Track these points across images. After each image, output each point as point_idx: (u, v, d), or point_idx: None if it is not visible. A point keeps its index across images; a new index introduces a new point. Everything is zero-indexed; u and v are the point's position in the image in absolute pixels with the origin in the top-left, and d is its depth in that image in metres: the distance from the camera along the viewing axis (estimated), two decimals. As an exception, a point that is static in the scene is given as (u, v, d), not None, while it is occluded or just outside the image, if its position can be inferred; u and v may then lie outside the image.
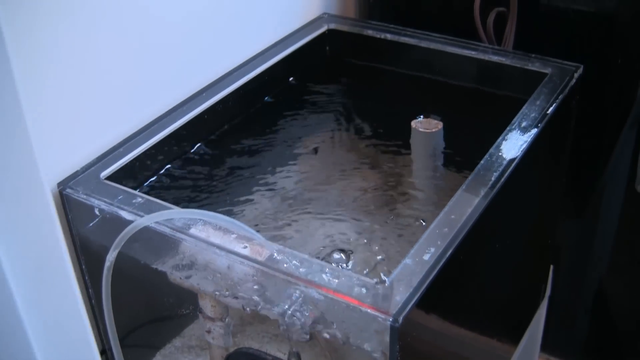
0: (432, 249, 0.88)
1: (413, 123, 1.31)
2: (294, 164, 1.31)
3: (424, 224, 1.16)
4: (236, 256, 0.90)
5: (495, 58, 1.34)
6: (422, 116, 1.31)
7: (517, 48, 1.40)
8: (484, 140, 1.16)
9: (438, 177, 1.30)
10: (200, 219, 0.96)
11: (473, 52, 1.36)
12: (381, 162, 1.32)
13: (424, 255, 0.87)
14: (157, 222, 0.96)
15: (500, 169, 1.03)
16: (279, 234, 1.16)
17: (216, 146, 1.31)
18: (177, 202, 1.14)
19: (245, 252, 0.90)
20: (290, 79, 1.48)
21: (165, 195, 1.16)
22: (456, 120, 1.33)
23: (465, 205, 0.96)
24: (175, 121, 1.20)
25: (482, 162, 1.05)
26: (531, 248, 1.40)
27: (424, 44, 1.41)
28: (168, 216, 0.97)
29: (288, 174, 1.29)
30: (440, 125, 1.30)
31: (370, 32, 1.47)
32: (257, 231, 0.94)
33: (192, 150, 1.28)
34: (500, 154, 1.06)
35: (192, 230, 0.94)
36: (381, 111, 1.45)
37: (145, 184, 1.17)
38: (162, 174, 1.21)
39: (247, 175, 1.27)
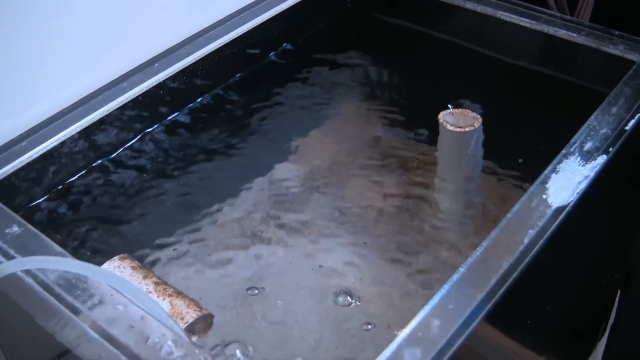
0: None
1: (441, 116, 0.96)
2: (288, 157, 1.02)
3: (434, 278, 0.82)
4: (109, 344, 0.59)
5: (562, 33, 0.98)
6: (450, 106, 0.95)
7: (595, 21, 1.01)
8: (541, 143, 0.94)
9: (473, 192, 0.94)
10: (87, 275, 0.65)
11: (534, 22, 1.00)
12: (400, 161, 1.01)
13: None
14: (25, 271, 0.66)
15: (542, 221, 0.68)
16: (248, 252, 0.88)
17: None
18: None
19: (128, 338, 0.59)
20: (294, 40, 1.16)
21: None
22: (505, 113, 1.04)
23: (486, 275, 0.65)
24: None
25: (516, 207, 0.70)
26: (594, 278, 1.06)
27: (470, 4, 1.03)
28: (40, 264, 0.66)
29: (275, 172, 1.00)
30: (478, 121, 0.95)
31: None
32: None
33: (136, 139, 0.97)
34: (544, 196, 0.71)
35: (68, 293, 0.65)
36: (410, 90, 1.14)
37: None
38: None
39: (228, 169, 0.99)
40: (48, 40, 0.86)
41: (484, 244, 0.68)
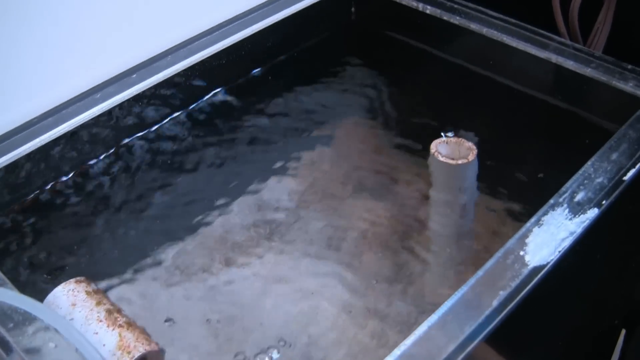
0: None
1: (434, 145, 0.90)
2: (278, 175, 0.97)
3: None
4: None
5: (571, 63, 0.91)
6: (449, 133, 0.90)
7: (608, 51, 0.94)
8: (541, 179, 0.88)
9: (463, 230, 0.89)
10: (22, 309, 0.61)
11: (541, 51, 0.93)
12: (392, 187, 0.96)
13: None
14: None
15: (516, 282, 0.63)
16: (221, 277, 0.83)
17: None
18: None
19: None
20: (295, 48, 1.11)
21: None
22: (504, 142, 0.97)
23: (441, 342, 0.60)
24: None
25: (489, 264, 0.65)
26: (588, 326, 1.00)
27: (475, 26, 0.97)
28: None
29: (263, 189, 0.95)
30: (473, 153, 0.89)
31: (410, 2, 1.06)
32: None
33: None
34: (522, 253, 0.66)
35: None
36: (409, 110, 1.07)
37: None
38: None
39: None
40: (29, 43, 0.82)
41: (447, 303, 0.63)
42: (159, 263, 0.85)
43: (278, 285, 0.82)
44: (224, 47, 0.97)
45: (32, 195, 0.89)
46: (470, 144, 0.92)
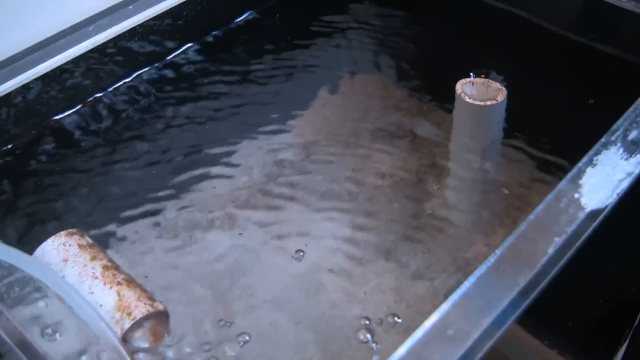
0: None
1: (460, 85, 0.82)
2: (291, 119, 0.90)
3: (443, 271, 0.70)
4: None
5: (609, -4, 0.82)
6: (472, 75, 0.81)
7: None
8: (572, 125, 0.81)
9: (489, 177, 0.81)
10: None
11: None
12: (413, 133, 0.88)
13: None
14: None
15: (572, 227, 0.55)
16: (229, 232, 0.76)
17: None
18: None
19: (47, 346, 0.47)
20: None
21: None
22: (533, 84, 0.89)
23: (498, 294, 0.52)
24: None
25: (540, 208, 0.57)
26: (623, 285, 0.93)
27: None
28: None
29: (277, 136, 0.88)
30: (502, 93, 0.81)
31: None
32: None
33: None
34: (576, 195, 0.58)
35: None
36: (430, 54, 1.00)
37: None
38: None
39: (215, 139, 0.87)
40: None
41: (497, 252, 0.55)
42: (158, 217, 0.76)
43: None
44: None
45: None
46: (498, 85, 0.84)
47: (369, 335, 0.65)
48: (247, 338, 0.65)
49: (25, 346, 0.50)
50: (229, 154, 0.84)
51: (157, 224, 0.76)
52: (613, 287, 0.87)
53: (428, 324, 0.50)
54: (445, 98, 0.88)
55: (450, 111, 0.87)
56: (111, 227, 0.76)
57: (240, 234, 0.75)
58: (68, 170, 0.82)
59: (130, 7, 0.79)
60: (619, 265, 0.81)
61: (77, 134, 0.86)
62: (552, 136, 0.85)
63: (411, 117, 0.89)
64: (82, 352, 0.49)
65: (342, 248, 0.74)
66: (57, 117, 0.86)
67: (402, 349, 0.48)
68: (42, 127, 0.84)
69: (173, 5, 0.84)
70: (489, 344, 0.49)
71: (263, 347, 0.64)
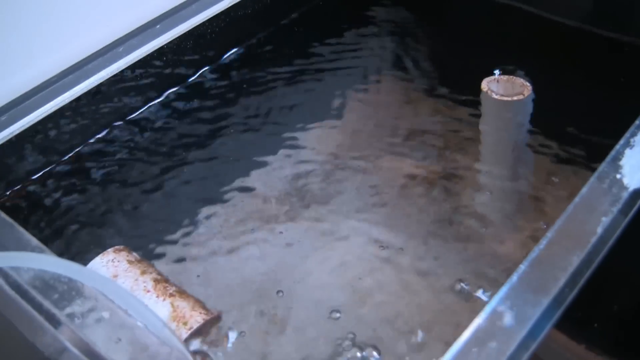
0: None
1: (485, 83, 0.83)
2: (311, 129, 0.91)
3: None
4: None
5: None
6: (498, 72, 0.82)
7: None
8: (599, 118, 0.80)
9: (519, 171, 0.81)
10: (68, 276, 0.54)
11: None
12: (439, 133, 0.88)
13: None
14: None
15: (616, 208, 0.55)
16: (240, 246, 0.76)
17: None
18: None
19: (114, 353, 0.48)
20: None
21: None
22: (558, 83, 0.89)
23: (552, 275, 0.53)
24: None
25: (584, 190, 0.57)
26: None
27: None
28: (12, 262, 0.55)
29: (297, 144, 0.88)
30: (527, 89, 0.82)
31: None
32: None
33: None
34: (618, 176, 0.58)
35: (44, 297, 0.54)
36: (450, 52, 1.01)
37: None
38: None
39: (234, 154, 0.87)
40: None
41: (548, 234, 0.55)
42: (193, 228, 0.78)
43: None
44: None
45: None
46: (522, 81, 0.86)
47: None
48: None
49: (93, 356, 0.51)
50: (262, 164, 0.85)
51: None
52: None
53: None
54: (471, 97, 0.89)
55: (476, 110, 0.88)
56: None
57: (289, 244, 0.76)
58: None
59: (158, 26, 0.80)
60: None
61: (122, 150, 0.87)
62: (578, 129, 0.86)
63: (438, 119, 0.90)
64: (151, 358, 0.50)
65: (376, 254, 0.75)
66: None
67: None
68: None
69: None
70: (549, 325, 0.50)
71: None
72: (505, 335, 0.49)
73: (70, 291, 0.56)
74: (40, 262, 0.56)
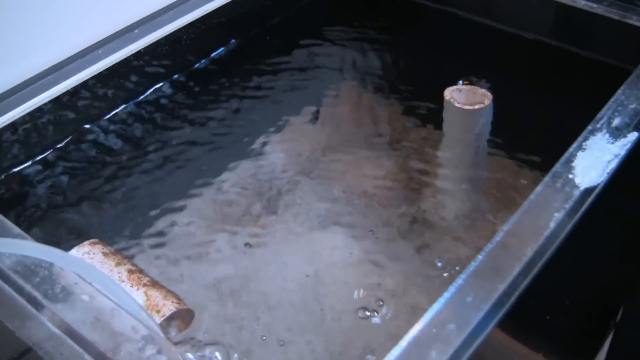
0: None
1: (448, 92, 0.87)
2: (283, 133, 0.94)
3: (455, 269, 0.74)
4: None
5: (582, 3, 0.89)
6: (460, 82, 0.86)
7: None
8: (554, 125, 0.85)
9: (479, 175, 0.86)
10: (48, 261, 0.56)
11: (550, -8, 0.90)
12: (404, 139, 0.93)
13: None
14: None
15: (569, 203, 0.60)
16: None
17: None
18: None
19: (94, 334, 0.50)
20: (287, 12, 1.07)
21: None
22: (515, 90, 0.95)
23: (508, 264, 0.57)
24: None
25: (539, 188, 0.62)
26: (607, 281, 0.97)
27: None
28: (-6, 248, 0.57)
29: (273, 147, 0.92)
30: (488, 98, 0.86)
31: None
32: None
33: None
34: (570, 176, 0.63)
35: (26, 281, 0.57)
36: (414, 64, 1.06)
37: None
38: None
39: (220, 144, 0.91)
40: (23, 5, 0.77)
41: (504, 228, 0.59)
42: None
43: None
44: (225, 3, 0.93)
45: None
46: (484, 91, 0.90)
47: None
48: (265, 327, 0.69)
49: (75, 336, 0.53)
50: (230, 168, 0.88)
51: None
52: (602, 273, 0.92)
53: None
54: (434, 106, 0.93)
55: (438, 118, 0.92)
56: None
57: (248, 244, 0.79)
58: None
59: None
60: (608, 248, 0.87)
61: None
62: (535, 136, 0.90)
63: (403, 126, 0.94)
64: (129, 339, 0.53)
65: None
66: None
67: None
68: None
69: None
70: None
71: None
72: (463, 317, 0.53)
73: (50, 276, 0.58)
74: (22, 248, 0.58)
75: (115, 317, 0.55)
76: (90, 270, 0.57)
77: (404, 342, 0.51)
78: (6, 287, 0.57)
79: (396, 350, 0.50)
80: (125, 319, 0.55)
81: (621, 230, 0.89)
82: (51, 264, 0.58)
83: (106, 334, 0.53)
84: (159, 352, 0.51)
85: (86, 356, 0.52)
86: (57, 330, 0.54)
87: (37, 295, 0.56)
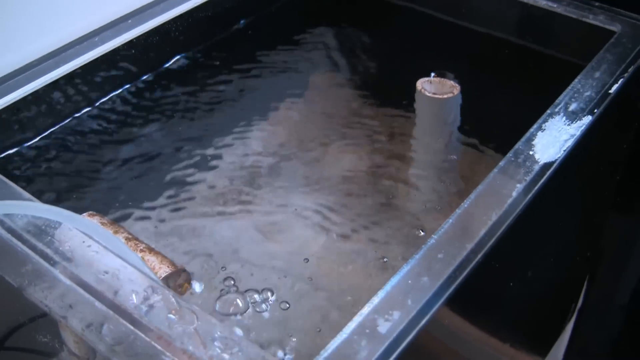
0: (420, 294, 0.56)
1: (419, 83, 0.94)
2: (262, 122, 1.00)
3: (421, 233, 0.80)
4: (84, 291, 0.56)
5: (543, 3, 0.97)
6: (433, 74, 0.93)
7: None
8: (516, 115, 0.91)
9: (449, 160, 0.93)
10: (59, 221, 0.62)
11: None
12: (378, 129, 0.98)
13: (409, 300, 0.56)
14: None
15: (529, 178, 0.67)
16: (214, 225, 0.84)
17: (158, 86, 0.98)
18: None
19: (102, 284, 0.56)
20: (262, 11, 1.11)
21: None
22: (481, 84, 1.01)
23: (474, 227, 0.63)
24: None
25: (502, 163, 0.68)
26: (567, 259, 1.04)
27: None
28: (8, 210, 0.62)
29: (250, 134, 0.97)
30: (456, 89, 0.93)
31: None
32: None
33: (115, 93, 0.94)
34: (531, 152, 0.69)
35: (37, 240, 0.62)
36: (386, 60, 1.12)
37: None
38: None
39: (198, 135, 0.96)
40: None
41: (471, 196, 0.66)
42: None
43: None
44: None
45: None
46: (452, 82, 0.97)
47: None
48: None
49: (85, 286, 0.59)
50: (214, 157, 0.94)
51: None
52: (561, 252, 0.99)
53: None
54: (405, 98, 1.00)
55: (410, 109, 0.99)
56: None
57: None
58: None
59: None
60: (565, 228, 0.94)
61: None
62: (500, 125, 0.98)
63: (375, 116, 1.01)
64: (134, 291, 0.58)
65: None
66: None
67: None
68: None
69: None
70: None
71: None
72: (435, 271, 0.59)
73: (60, 236, 0.63)
74: (33, 209, 0.64)
75: (121, 270, 0.60)
76: (96, 229, 0.62)
77: (382, 292, 0.58)
78: (19, 244, 0.62)
79: (380, 294, 0.56)
80: (131, 272, 0.60)
81: (578, 207, 0.96)
82: (58, 225, 0.63)
83: (114, 284, 0.59)
84: (162, 300, 0.57)
85: (96, 303, 0.57)
86: (67, 280, 0.59)
87: (49, 251, 0.62)
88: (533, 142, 0.73)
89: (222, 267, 0.79)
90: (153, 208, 0.86)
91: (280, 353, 0.71)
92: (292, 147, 0.94)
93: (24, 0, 0.84)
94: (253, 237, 0.83)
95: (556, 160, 0.70)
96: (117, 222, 0.79)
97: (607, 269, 1.41)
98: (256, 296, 0.76)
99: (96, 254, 0.62)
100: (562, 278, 1.08)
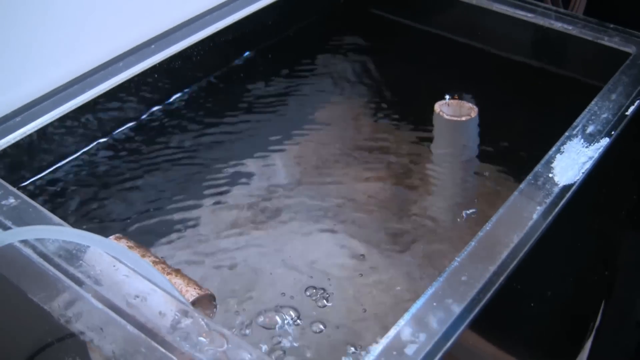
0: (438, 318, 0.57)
1: (437, 105, 0.96)
2: (274, 152, 1.00)
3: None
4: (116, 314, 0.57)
5: (558, 25, 0.99)
6: (448, 97, 0.95)
7: (590, 14, 1.01)
8: (533, 136, 0.92)
9: (468, 182, 0.94)
10: (89, 245, 0.63)
11: (530, 15, 1.01)
12: (394, 153, 1.00)
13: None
14: (23, 242, 0.63)
15: (549, 200, 0.68)
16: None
17: (171, 115, 0.99)
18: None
19: (133, 308, 0.57)
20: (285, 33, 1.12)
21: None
22: (498, 106, 1.02)
23: (497, 249, 0.64)
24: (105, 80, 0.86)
25: (522, 186, 0.70)
26: (585, 278, 1.05)
27: (463, -2, 1.04)
28: (39, 234, 0.64)
29: (266, 163, 0.98)
30: (474, 111, 0.95)
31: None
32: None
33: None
34: (550, 175, 0.71)
35: (69, 264, 0.63)
36: (402, 83, 1.13)
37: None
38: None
39: (209, 161, 0.97)
40: (45, 17, 0.84)
41: (493, 218, 0.68)
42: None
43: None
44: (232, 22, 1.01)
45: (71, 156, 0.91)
46: (470, 104, 0.98)
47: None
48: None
49: (116, 310, 0.61)
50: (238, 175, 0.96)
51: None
52: (580, 272, 1.00)
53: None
54: (423, 120, 1.02)
55: (428, 131, 1.00)
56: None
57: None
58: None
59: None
60: (585, 248, 0.95)
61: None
62: (518, 145, 0.99)
63: (393, 138, 1.02)
64: (164, 314, 0.60)
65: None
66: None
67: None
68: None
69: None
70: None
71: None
72: (459, 293, 0.60)
73: (90, 260, 0.65)
74: (63, 233, 0.66)
75: (151, 294, 0.62)
76: (126, 253, 0.64)
77: (408, 314, 0.59)
78: (51, 269, 0.64)
79: (406, 316, 0.58)
80: (161, 296, 0.62)
81: (596, 227, 0.97)
82: (87, 250, 0.65)
83: (145, 308, 0.60)
84: (192, 324, 0.58)
85: (128, 327, 0.59)
86: (99, 304, 0.61)
87: (80, 275, 0.63)
88: (552, 165, 0.74)
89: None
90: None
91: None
92: (307, 170, 0.96)
93: (49, 27, 0.86)
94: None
95: (575, 182, 0.72)
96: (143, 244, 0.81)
97: (624, 287, 1.41)
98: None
99: (126, 278, 0.63)
100: (580, 297, 1.08)
